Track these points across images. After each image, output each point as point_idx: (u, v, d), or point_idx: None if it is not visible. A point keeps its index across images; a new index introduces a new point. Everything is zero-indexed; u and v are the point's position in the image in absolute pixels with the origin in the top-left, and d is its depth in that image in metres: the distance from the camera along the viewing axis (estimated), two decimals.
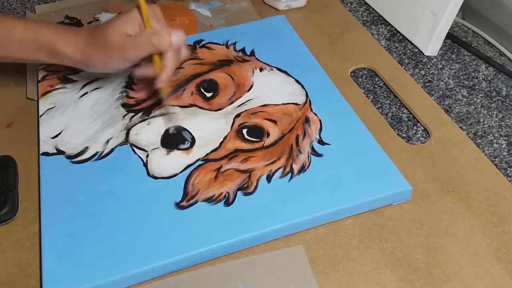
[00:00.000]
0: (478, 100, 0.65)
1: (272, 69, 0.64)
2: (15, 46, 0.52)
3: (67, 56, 0.52)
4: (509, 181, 0.53)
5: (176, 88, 0.62)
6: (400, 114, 0.63)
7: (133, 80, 0.63)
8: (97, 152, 0.55)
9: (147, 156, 0.54)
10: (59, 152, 0.55)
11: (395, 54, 0.72)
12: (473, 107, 0.64)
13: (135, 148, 0.55)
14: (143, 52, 0.51)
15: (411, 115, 0.62)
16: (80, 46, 0.52)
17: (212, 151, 0.54)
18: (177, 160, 0.53)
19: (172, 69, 0.52)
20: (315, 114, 0.58)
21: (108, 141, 0.56)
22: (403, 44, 0.74)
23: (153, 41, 0.50)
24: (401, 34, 0.76)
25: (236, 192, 0.50)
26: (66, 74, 0.64)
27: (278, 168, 0.52)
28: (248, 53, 0.67)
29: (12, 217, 0.51)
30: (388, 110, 0.64)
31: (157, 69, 0.52)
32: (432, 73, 0.69)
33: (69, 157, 0.55)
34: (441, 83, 0.68)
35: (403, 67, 0.70)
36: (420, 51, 0.73)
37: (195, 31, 0.74)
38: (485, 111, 0.63)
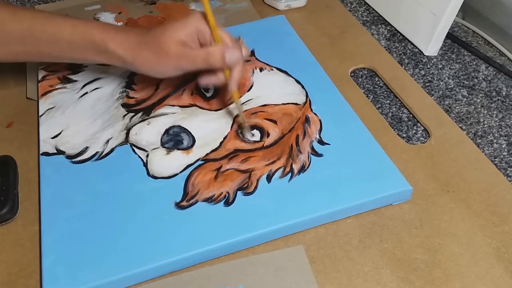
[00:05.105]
0: (478, 100, 0.65)
1: (272, 69, 0.64)
2: (65, 45, 0.52)
3: (117, 55, 0.52)
4: (509, 181, 0.53)
5: (176, 88, 0.62)
6: (400, 114, 0.63)
7: (133, 80, 0.63)
8: (97, 152, 0.55)
9: (147, 156, 0.54)
10: (59, 152, 0.55)
11: (395, 54, 0.72)
12: (473, 107, 0.64)
13: (135, 148, 0.55)
14: (198, 66, 0.51)
15: (411, 115, 0.62)
16: (131, 46, 0.51)
17: (212, 151, 0.54)
18: (177, 160, 0.53)
19: (239, 74, 0.52)
20: (315, 114, 0.58)
21: (108, 141, 0.56)
22: (403, 44, 0.74)
23: (210, 60, 0.50)
24: (401, 34, 0.76)
25: (236, 192, 0.50)
26: (66, 74, 0.64)
27: (278, 168, 0.52)
28: None
29: (12, 217, 0.51)
30: (388, 110, 0.64)
31: (226, 75, 0.52)
32: (432, 73, 0.69)
33: (69, 157, 0.55)
34: (441, 83, 0.68)
35: (403, 67, 0.70)
36: (420, 51, 0.73)
37: None
38: (485, 111, 0.63)
